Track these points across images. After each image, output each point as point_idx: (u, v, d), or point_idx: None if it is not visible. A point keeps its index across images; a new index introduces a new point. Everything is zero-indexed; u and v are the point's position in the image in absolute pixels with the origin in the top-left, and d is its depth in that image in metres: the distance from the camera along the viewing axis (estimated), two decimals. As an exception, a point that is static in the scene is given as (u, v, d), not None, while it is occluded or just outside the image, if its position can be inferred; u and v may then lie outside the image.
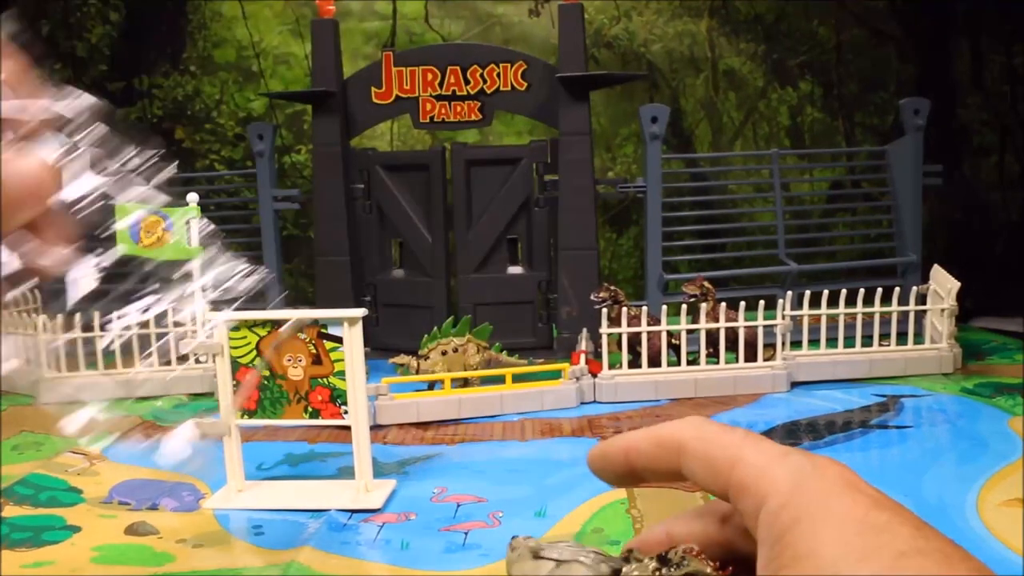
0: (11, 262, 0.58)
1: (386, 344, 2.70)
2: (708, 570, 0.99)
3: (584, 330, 2.41)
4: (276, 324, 1.68)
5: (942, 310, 2.44)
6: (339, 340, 1.72)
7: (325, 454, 2.03)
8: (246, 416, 1.78)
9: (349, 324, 1.64)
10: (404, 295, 2.79)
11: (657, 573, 0.97)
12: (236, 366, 1.73)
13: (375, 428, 2.09)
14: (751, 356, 2.26)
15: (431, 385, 2.25)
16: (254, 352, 1.70)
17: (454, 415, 2.19)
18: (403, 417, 2.18)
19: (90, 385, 2.45)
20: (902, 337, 2.48)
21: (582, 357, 2.22)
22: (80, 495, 1.86)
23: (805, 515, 0.50)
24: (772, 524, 0.51)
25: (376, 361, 2.68)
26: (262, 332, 1.71)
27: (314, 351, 1.73)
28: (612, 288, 2.23)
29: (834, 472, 0.50)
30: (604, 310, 2.18)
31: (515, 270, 2.70)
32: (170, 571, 1.49)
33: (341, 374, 1.72)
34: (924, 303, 2.49)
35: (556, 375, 2.17)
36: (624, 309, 2.18)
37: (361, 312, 1.63)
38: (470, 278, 2.68)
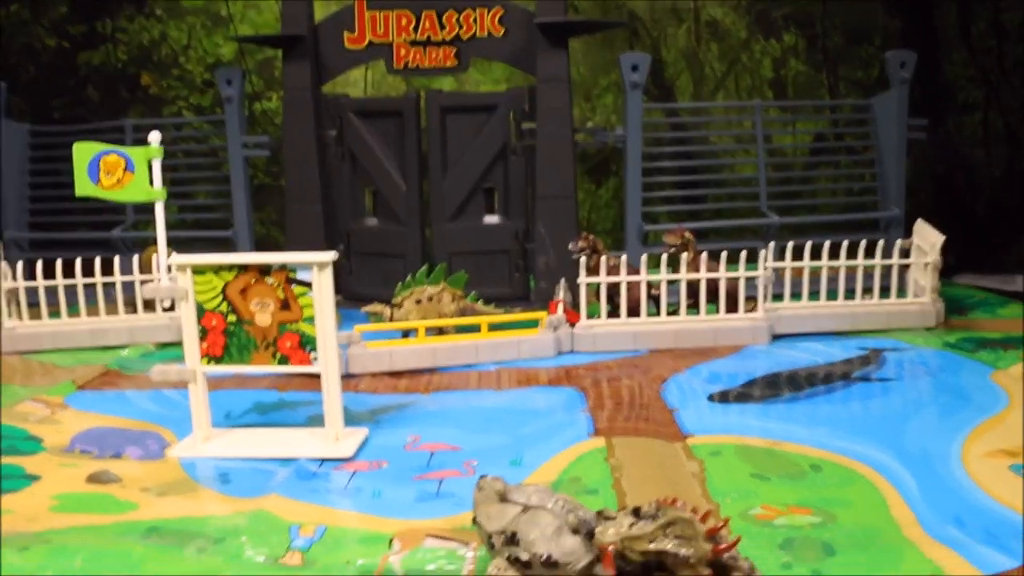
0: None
1: (359, 294, 2.64)
2: (687, 516, 0.94)
3: (562, 280, 2.36)
4: (242, 268, 1.62)
5: (925, 264, 2.40)
6: (308, 285, 1.66)
7: (295, 403, 1.98)
8: (212, 363, 1.72)
9: (318, 268, 1.57)
10: (378, 244, 2.72)
11: (632, 527, 0.92)
12: (201, 311, 1.66)
13: (347, 377, 2.03)
14: (732, 308, 2.21)
15: (405, 334, 2.20)
16: (220, 297, 1.64)
17: (428, 364, 2.15)
18: (376, 366, 2.12)
19: (52, 334, 2.38)
20: (884, 292, 2.45)
21: (560, 307, 2.17)
22: (40, 444, 1.79)
23: None
24: None
25: (349, 311, 2.64)
26: (228, 277, 1.64)
27: (282, 296, 1.67)
28: (591, 237, 2.18)
29: None
30: (583, 259, 2.12)
31: (491, 219, 2.64)
32: (132, 519, 1.43)
33: (310, 320, 1.67)
34: (907, 257, 2.45)
35: (533, 324, 2.12)
36: (603, 258, 2.13)
37: (331, 256, 1.57)
38: (445, 227, 2.62)
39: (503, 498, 1.00)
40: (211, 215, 3.15)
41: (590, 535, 0.95)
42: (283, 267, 1.60)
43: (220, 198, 3.15)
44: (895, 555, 1.11)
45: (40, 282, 2.38)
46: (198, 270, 1.61)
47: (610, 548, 0.94)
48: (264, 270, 1.60)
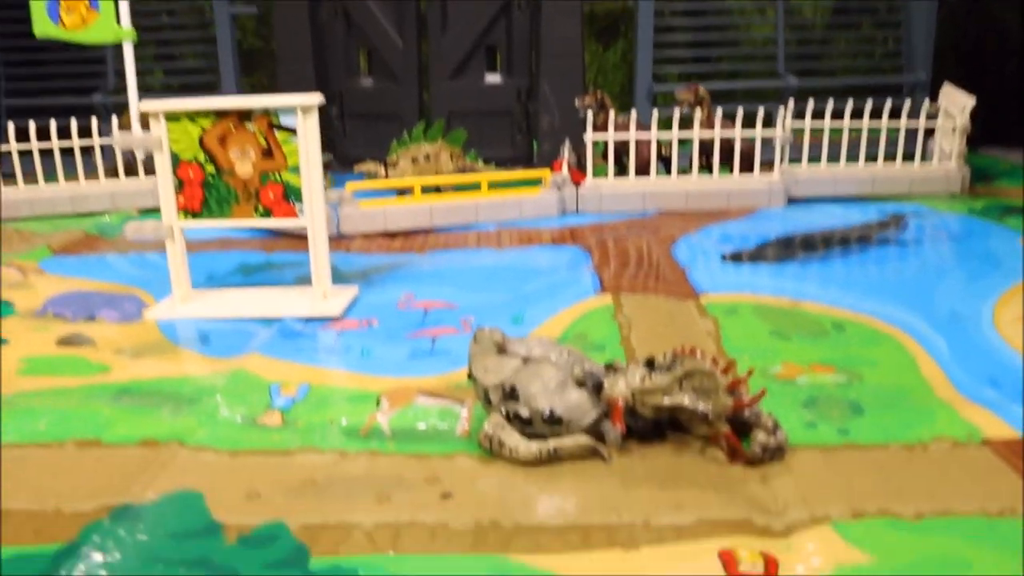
0: None
1: (353, 157, 2.51)
2: (706, 367, 0.82)
3: (567, 140, 2.22)
4: (220, 114, 1.48)
5: (952, 128, 2.25)
6: (292, 131, 1.51)
7: (282, 264, 1.87)
8: (190, 217, 1.59)
9: (303, 112, 1.44)
10: (373, 104, 2.58)
11: (646, 380, 0.80)
12: (176, 162, 1.54)
13: (338, 238, 1.93)
14: (747, 168, 2.08)
15: (400, 193, 2.07)
16: (197, 146, 1.51)
17: (425, 224, 2.02)
18: (369, 226, 2.00)
19: (29, 200, 2.26)
20: (908, 158, 2.31)
21: (564, 165, 2.04)
22: (12, 308, 1.70)
23: None
24: None
25: (342, 176, 2.51)
26: (205, 124, 1.50)
27: (264, 143, 1.53)
28: (599, 93, 2.04)
29: None
30: (589, 115, 1.99)
31: (493, 78, 2.49)
32: (103, 381, 1.36)
33: (295, 169, 1.53)
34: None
35: (536, 183, 2.00)
36: (611, 114, 1.99)
37: (316, 98, 1.43)
38: (444, 86, 2.48)
39: (502, 350, 0.89)
40: (199, 78, 3.01)
41: (598, 389, 0.84)
42: (265, 112, 1.47)
43: (207, 60, 3.01)
44: (927, 415, 1.01)
45: (13, 145, 2.26)
46: (172, 117, 1.48)
47: (620, 403, 0.83)
48: (244, 115, 1.47)
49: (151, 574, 0.62)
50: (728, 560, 0.60)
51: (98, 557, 0.68)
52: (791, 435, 0.82)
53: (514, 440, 0.80)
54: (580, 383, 0.84)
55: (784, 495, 0.69)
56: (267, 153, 1.50)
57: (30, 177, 2.28)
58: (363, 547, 0.63)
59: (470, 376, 0.92)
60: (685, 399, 0.86)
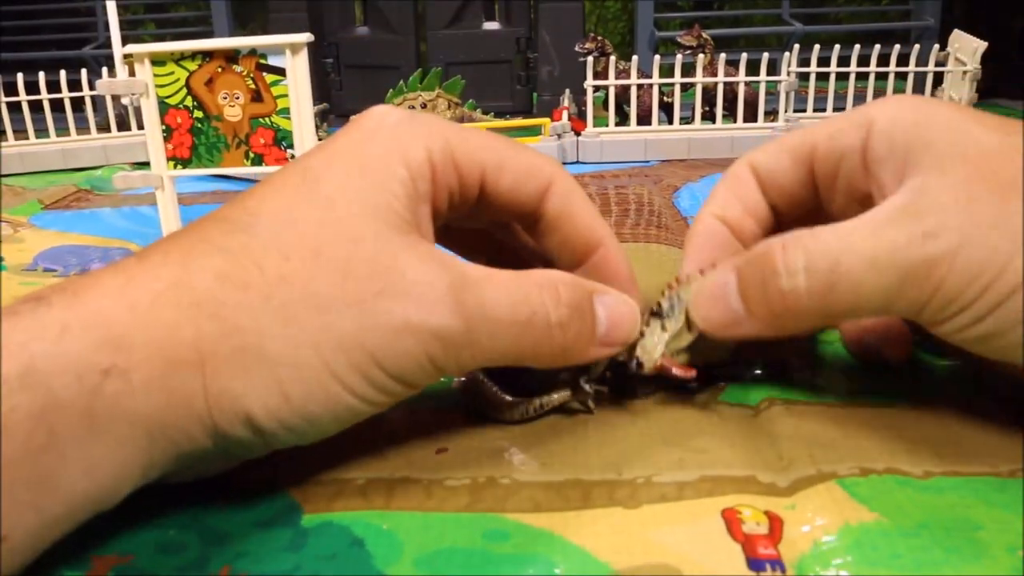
0: None
1: (350, 108, 2.46)
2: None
3: (567, 90, 2.18)
4: (206, 56, 1.44)
5: (963, 73, 2.21)
6: (281, 72, 1.47)
7: (277, 216, 1.86)
8: (180, 166, 1.54)
9: (292, 52, 1.40)
10: (369, 55, 2.53)
11: (670, 337, 0.76)
12: (164, 108, 1.50)
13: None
14: (751, 117, 2.04)
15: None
16: (184, 90, 1.47)
17: (421, 177, 1.99)
18: (365, 179, 1.97)
19: (19, 155, 2.22)
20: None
21: (564, 113, 2.00)
22: (1, 263, 1.66)
23: (934, 116, 0.54)
24: (892, 139, 0.56)
25: (340, 128, 2.57)
26: (191, 66, 1.46)
27: (253, 86, 1.49)
28: (599, 38, 1.99)
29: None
30: (590, 61, 1.94)
31: (491, 26, 2.44)
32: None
33: (285, 112, 1.48)
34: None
35: (536, 132, 1.96)
36: (612, 59, 1.94)
37: (305, 37, 1.39)
38: (441, 34, 2.42)
39: None
40: (191, 29, 2.96)
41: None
42: (252, 52, 1.43)
43: (199, 10, 2.93)
44: (937, 371, 0.99)
45: (1, 99, 2.20)
46: (157, 60, 1.44)
47: (669, 365, 0.79)
48: (231, 57, 1.43)
49: (139, 536, 0.60)
50: (732, 519, 0.58)
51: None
52: (798, 388, 0.79)
53: (498, 397, 0.77)
54: None
55: (790, 452, 0.66)
56: (256, 97, 1.46)
57: (20, 134, 2.24)
58: (356, 504, 0.61)
59: None
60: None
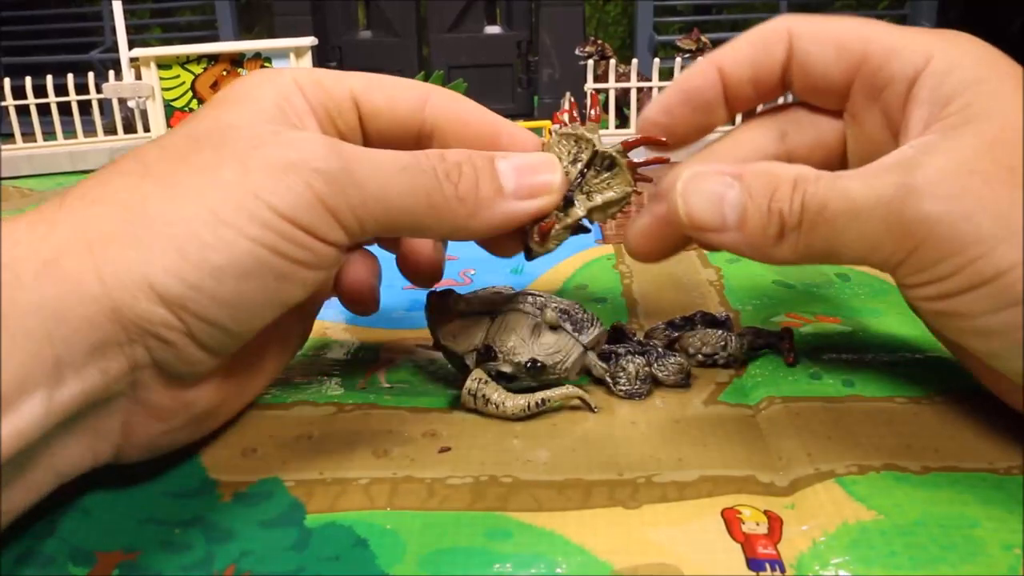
0: None
1: (352, 112, 2.48)
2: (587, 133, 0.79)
3: (568, 93, 2.19)
4: (212, 59, 1.45)
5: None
6: (286, 79, 1.53)
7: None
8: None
9: (296, 55, 1.41)
10: (372, 58, 2.54)
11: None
12: (170, 111, 1.51)
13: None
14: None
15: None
16: (190, 94, 1.48)
17: (423, 178, 2.00)
18: (367, 182, 1.97)
19: (28, 157, 2.23)
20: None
21: (565, 116, 2.00)
22: None
23: (989, 77, 0.53)
24: (939, 85, 0.54)
25: None
26: (196, 69, 1.47)
27: (257, 92, 1.55)
28: (599, 42, 2.00)
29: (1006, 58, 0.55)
30: (590, 64, 1.95)
31: (492, 29, 2.45)
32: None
33: (289, 119, 1.54)
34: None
35: (536, 134, 1.97)
36: (612, 62, 1.95)
37: (309, 40, 1.40)
38: (443, 38, 2.43)
39: (461, 312, 0.85)
40: (196, 33, 2.97)
41: (577, 328, 0.81)
42: (257, 55, 1.44)
43: (205, 14, 2.95)
44: (934, 367, 1.00)
45: (10, 101, 2.21)
46: (162, 63, 1.45)
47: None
48: (236, 60, 1.44)
49: (145, 534, 0.60)
50: (731, 519, 0.59)
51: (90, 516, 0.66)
52: (796, 386, 0.80)
53: (499, 395, 0.77)
54: (554, 326, 0.81)
55: (789, 452, 0.67)
56: (261, 102, 1.48)
57: (28, 136, 2.26)
58: (360, 503, 0.62)
59: (436, 346, 0.88)
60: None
